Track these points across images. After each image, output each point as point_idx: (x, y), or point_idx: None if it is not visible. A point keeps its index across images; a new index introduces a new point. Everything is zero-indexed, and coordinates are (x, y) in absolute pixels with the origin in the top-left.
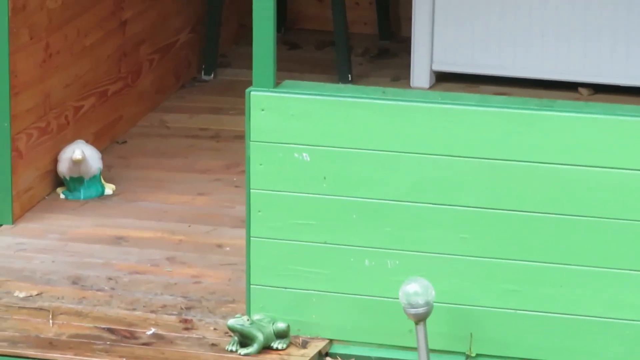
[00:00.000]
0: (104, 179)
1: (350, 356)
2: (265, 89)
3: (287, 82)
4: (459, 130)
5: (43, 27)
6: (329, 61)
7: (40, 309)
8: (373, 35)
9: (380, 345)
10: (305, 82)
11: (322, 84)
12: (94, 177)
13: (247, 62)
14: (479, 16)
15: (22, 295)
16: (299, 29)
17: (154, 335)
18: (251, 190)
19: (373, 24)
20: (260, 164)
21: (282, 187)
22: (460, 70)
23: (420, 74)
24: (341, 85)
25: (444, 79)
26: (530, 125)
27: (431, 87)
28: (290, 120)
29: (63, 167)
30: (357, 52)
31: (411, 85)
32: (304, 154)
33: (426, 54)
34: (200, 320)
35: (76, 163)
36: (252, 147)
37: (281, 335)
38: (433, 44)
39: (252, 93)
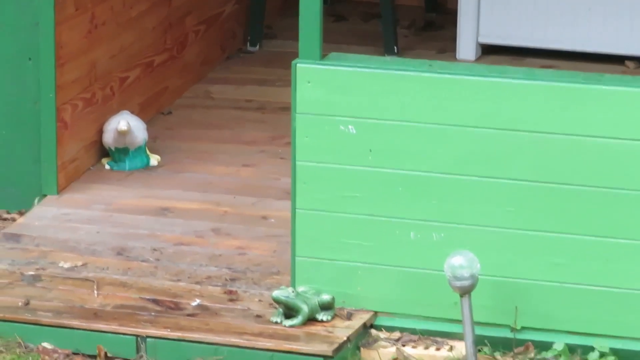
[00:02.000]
0: (149, 150)
1: (395, 328)
2: (311, 61)
3: (333, 54)
4: (505, 104)
5: None
6: (375, 33)
7: (85, 279)
8: (419, 8)
9: (425, 318)
10: (352, 55)
11: (368, 56)
12: (139, 148)
13: (293, 33)
14: None
15: (67, 265)
16: (345, 1)
17: (199, 306)
18: (297, 163)
19: None
20: (306, 137)
21: (328, 160)
22: (506, 42)
23: (466, 47)
24: (387, 58)
25: (489, 52)
26: (577, 99)
27: (477, 60)
28: (337, 93)
29: (108, 138)
30: (403, 24)
31: (457, 57)
32: (350, 127)
33: (472, 27)
34: (245, 291)
35: (121, 134)
36: (298, 119)
37: (326, 307)
38: (479, 16)
39: (298, 65)
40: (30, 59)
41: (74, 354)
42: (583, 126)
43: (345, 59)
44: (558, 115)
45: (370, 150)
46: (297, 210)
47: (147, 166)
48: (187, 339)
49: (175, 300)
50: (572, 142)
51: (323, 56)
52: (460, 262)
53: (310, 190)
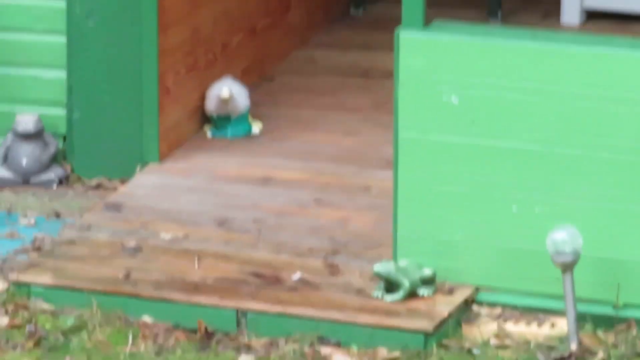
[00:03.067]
0: (252, 116)
1: (496, 304)
2: (414, 29)
3: (436, 22)
4: (611, 75)
5: None
6: None
7: (186, 251)
8: None
9: (527, 293)
10: (454, 23)
11: (471, 25)
12: (242, 115)
13: None
14: None
15: (168, 237)
16: None
17: (300, 280)
18: (399, 134)
19: None
20: (409, 106)
21: (430, 131)
22: (612, 8)
23: (570, 12)
24: (491, 27)
25: (594, 17)
26: None
27: (581, 25)
28: (439, 63)
29: (210, 105)
30: None
31: (561, 22)
32: (453, 97)
33: None
34: (346, 264)
35: (224, 101)
36: (401, 89)
37: (427, 281)
38: None
39: (401, 34)
40: (133, 23)
41: (174, 328)
42: None
43: (448, 28)
44: None
45: (473, 122)
46: (399, 183)
47: (249, 134)
48: (287, 313)
49: (276, 273)
50: None
51: (426, 23)
52: (563, 237)
53: (412, 163)
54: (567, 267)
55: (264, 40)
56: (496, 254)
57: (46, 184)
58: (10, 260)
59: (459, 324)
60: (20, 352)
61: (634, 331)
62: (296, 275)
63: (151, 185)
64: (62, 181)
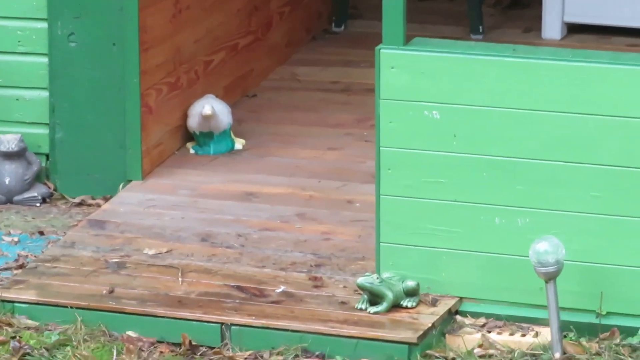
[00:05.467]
0: (234, 134)
1: (480, 314)
2: (395, 46)
3: (417, 39)
4: (590, 88)
5: None
6: (460, 12)
7: (170, 266)
8: None
9: (510, 304)
10: (436, 40)
11: (452, 41)
12: (224, 132)
13: (378, 13)
14: None
15: (151, 252)
16: None
17: (284, 293)
18: (381, 148)
19: None
20: (390, 122)
21: (412, 145)
22: (592, 21)
23: (551, 26)
24: (472, 43)
25: (575, 31)
26: None
27: (563, 39)
28: (421, 78)
29: (193, 122)
30: (489, 2)
31: (542, 37)
32: (434, 112)
33: (558, 5)
34: (330, 277)
35: (206, 118)
36: (382, 105)
37: (411, 293)
38: None
39: (382, 51)
40: (114, 44)
41: (159, 342)
42: None
43: (429, 44)
44: None
45: (455, 136)
46: (381, 196)
47: (232, 150)
48: (271, 326)
49: (260, 287)
50: None
51: (407, 40)
52: (546, 248)
53: (395, 176)
54: (550, 277)
55: (246, 57)
56: (479, 265)
57: (30, 202)
58: None
59: (442, 335)
60: None
61: (618, 339)
62: (280, 289)
63: (134, 202)
64: (46, 199)
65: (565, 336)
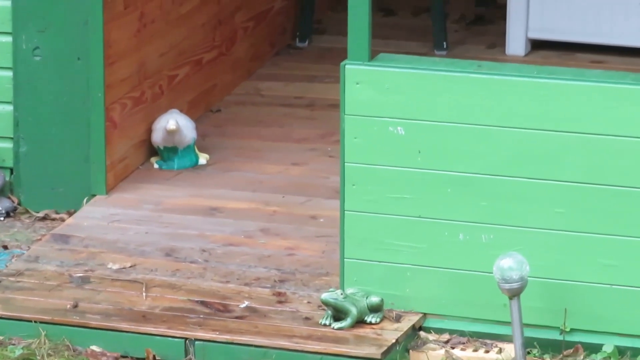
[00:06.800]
0: (198, 148)
1: (444, 330)
2: (360, 62)
3: (382, 55)
4: (554, 105)
5: None
6: (424, 28)
7: (134, 281)
8: (469, 2)
9: (474, 320)
10: (400, 55)
11: (416, 57)
12: (188, 146)
13: (342, 28)
14: None
15: (115, 267)
16: None
17: (248, 308)
18: (346, 164)
19: None
20: (355, 138)
21: (377, 161)
22: (556, 38)
23: (515, 42)
24: (436, 59)
25: (539, 47)
26: (626, 100)
27: (527, 55)
28: (385, 94)
29: (157, 137)
30: (453, 18)
31: (506, 53)
32: (399, 128)
33: (522, 21)
34: (293, 293)
35: (170, 133)
36: (347, 120)
37: (375, 309)
38: (529, 11)
39: (347, 67)
40: (79, 58)
41: (123, 357)
42: (632, 127)
43: (394, 59)
44: (607, 116)
45: (419, 152)
46: (345, 211)
47: (196, 165)
48: (235, 341)
49: (224, 302)
50: (622, 143)
51: (372, 56)
52: (510, 265)
53: (359, 192)
54: (514, 294)
55: (210, 72)
56: (443, 281)
57: None
58: None
59: (406, 351)
60: None
61: (581, 355)
62: (244, 304)
63: (98, 216)
64: (10, 213)
65: (529, 352)
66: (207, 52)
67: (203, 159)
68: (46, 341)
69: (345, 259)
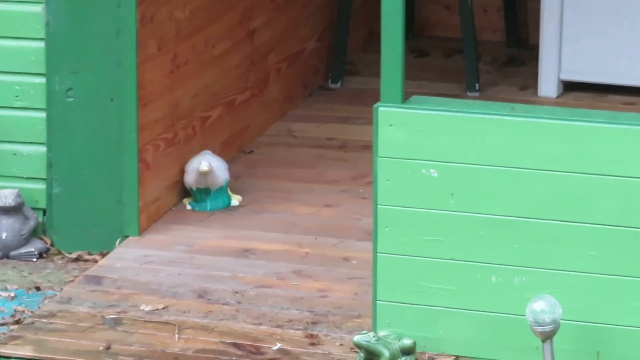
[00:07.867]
0: (231, 189)
1: None
2: (393, 104)
3: (415, 97)
4: (588, 147)
5: (171, 38)
6: (456, 69)
7: (167, 323)
8: (501, 43)
9: None
10: (433, 98)
11: (450, 99)
12: (221, 188)
13: (375, 69)
14: (608, 24)
15: (148, 308)
16: (426, 36)
17: (280, 350)
18: (378, 206)
19: (501, 31)
20: (388, 180)
21: (410, 203)
22: (589, 79)
23: (547, 83)
24: (469, 101)
25: (572, 88)
26: None
27: (559, 97)
28: (418, 136)
29: (190, 178)
30: (485, 60)
31: (538, 94)
32: (432, 170)
33: (554, 63)
34: (326, 335)
35: (203, 174)
36: (380, 162)
37: (407, 351)
38: (561, 53)
39: (380, 109)
40: (112, 99)
41: None
42: None
43: (427, 102)
44: None
45: (452, 194)
46: (378, 254)
47: (228, 206)
48: None
49: (256, 344)
50: None
51: (405, 98)
52: (542, 307)
53: (392, 234)
54: (547, 337)
55: (243, 113)
56: (476, 324)
57: (26, 258)
58: None
59: None
60: None
61: None
62: (276, 346)
63: (131, 257)
64: (42, 254)
65: None
66: (240, 93)
67: (235, 200)
68: None
69: (377, 301)
